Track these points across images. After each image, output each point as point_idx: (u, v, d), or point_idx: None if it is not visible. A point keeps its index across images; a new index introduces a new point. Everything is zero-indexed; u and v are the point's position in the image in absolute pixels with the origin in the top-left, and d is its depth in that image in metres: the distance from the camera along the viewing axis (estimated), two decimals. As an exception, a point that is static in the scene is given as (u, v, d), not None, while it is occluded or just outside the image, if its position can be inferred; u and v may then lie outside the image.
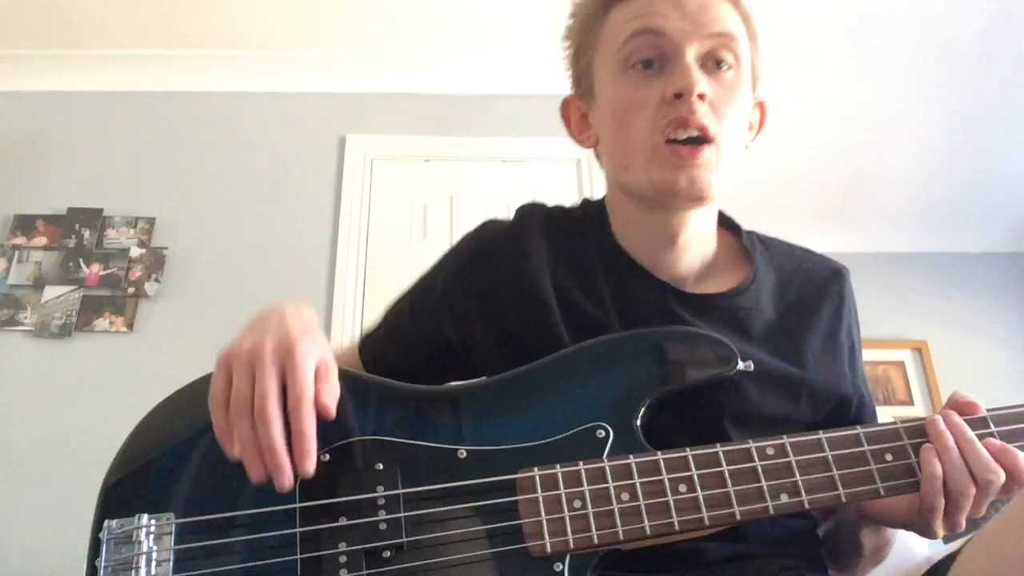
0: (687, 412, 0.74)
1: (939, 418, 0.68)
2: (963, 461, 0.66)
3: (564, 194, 2.72)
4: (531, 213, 0.94)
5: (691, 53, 0.80)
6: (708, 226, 0.89)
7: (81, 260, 2.57)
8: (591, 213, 0.94)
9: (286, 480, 0.63)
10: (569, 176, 2.74)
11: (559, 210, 0.96)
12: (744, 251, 0.91)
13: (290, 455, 0.64)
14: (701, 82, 0.78)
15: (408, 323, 0.93)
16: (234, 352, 0.68)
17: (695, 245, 0.87)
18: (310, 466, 0.64)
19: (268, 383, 0.65)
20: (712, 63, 0.81)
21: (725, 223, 0.94)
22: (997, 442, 0.67)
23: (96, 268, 2.56)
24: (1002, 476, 0.65)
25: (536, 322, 0.83)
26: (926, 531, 0.70)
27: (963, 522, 0.68)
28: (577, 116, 0.94)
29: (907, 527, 0.73)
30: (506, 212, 0.92)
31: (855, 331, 0.90)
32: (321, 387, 0.67)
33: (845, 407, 0.85)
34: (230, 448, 0.65)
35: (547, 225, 0.92)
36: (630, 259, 0.87)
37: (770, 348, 0.81)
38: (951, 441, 0.66)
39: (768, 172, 3.45)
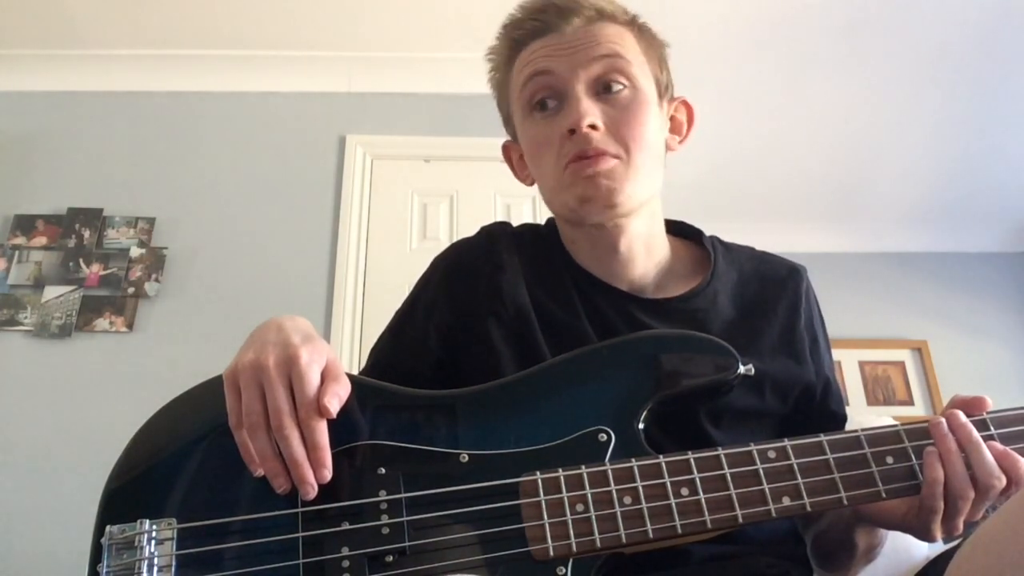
0: (665, 412, 0.75)
1: (943, 421, 0.68)
2: (965, 466, 0.66)
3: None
4: (499, 230, 0.98)
5: (580, 84, 0.84)
6: (650, 231, 0.92)
7: (81, 260, 2.57)
8: (553, 233, 0.98)
9: (311, 491, 0.65)
10: (569, 176, 2.73)
11: (526, 227, 1.00)
12: (705, 256, 0.95)
13: None
14: (589, 114, 0.82)
15: (398, 355, 0.92)
16: (239, 369, 0.68)
17: (640, 251, 0.90)
18: (326, 475, 0.66)
19: (279, 398, 0.66)
20: (603, 87, 0.85)
21: (685, 232, 0.99)
22: (999, 446, 0.67)
23: (96, 268, 2.56)
24: (1003, 481, 0.65)
25: (517, 333, 0.86)
26: (924, 534, 0.70)
27: (961, 526, 0.68)
28: (516, 158, 0.99)
29: (904, 529, 0.73)
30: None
31: (816, 323, 0.94)
32: (324, 389, 0.68)
33: (810, 394, 0.88)
34: (255, 467, 0.66)
35: (516, 241, 0.96)
36: (587, 274, 0.91)
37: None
38: (954, 445, 0.67)
39: (769, 173, 3.45)
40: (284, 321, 0.73)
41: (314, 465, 0.65)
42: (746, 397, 0.82)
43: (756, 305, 0.90)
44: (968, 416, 0.69)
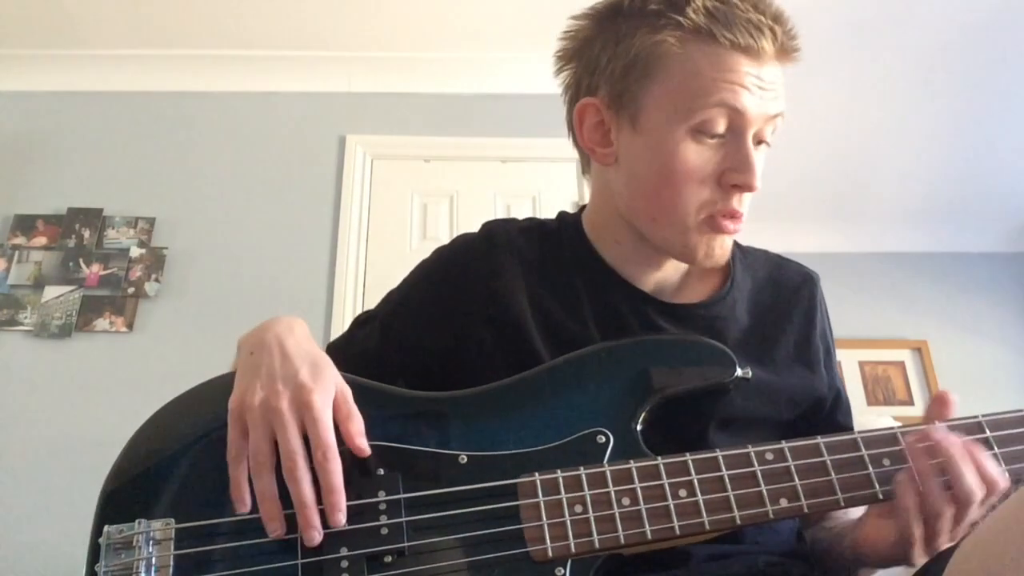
0: (673, 418, 0.75)
1: (919, 445, 0.67)
2: (940, 486, 0.64)
3: (564, 194, 2.72)
4: (500, 229, 0.94)
5: (753, 134, 0.79)
6: None
7: (81, 260, 2.57)
8: (568, 226, 0.95)
9: (317, 535, 0.64)
10: (569, 176, 2.74)
11: (532, 223, 0.97)
12: None
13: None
14: (759, 177, 0.78)
15: (377, 341, 0.90)
16: (247, 406, 0.67)
17: (673, 261, 0.89)
18: (342, 519, 0.65)
19: (293, 442, 0.65)
20: (757, 141, 0.80)
21: None
22: (988, 465, 0.65)
23: (96, 268, 2.56)
24: (982, 493, 0.64)
25: (512, 340, 0.84)
26: (907, 561, 0.68)
27: (943, 547, 0.66)
28: (594, 121, 0.85)
29: (893, 560, 0.71)
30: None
31: (828, 334, 0.93)
32: (349, 428, 0.68)
33: (820, 405, 0.87)
34: (242, 506, 0.65)
35: (519, 241, 0.92)
36: (610, 270, 0.89)
37: (745, 355, 0.81)
38: (929, 466, 0.65)
39: (769, 172, 3.44)
40: (285, 339, 0.72)
41: (330, 509, 0.65)
42: (759, 407, 0.81)
43: (770, 313, 0.89)
44: (952, 419, 0.69)
